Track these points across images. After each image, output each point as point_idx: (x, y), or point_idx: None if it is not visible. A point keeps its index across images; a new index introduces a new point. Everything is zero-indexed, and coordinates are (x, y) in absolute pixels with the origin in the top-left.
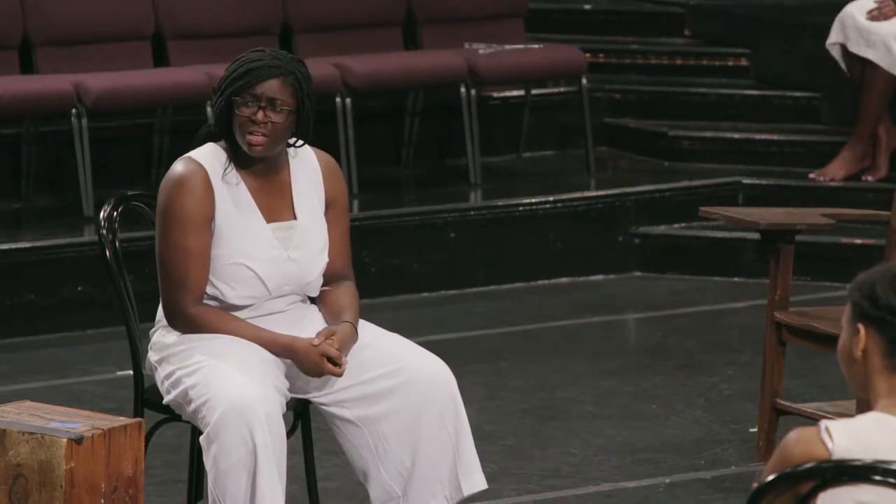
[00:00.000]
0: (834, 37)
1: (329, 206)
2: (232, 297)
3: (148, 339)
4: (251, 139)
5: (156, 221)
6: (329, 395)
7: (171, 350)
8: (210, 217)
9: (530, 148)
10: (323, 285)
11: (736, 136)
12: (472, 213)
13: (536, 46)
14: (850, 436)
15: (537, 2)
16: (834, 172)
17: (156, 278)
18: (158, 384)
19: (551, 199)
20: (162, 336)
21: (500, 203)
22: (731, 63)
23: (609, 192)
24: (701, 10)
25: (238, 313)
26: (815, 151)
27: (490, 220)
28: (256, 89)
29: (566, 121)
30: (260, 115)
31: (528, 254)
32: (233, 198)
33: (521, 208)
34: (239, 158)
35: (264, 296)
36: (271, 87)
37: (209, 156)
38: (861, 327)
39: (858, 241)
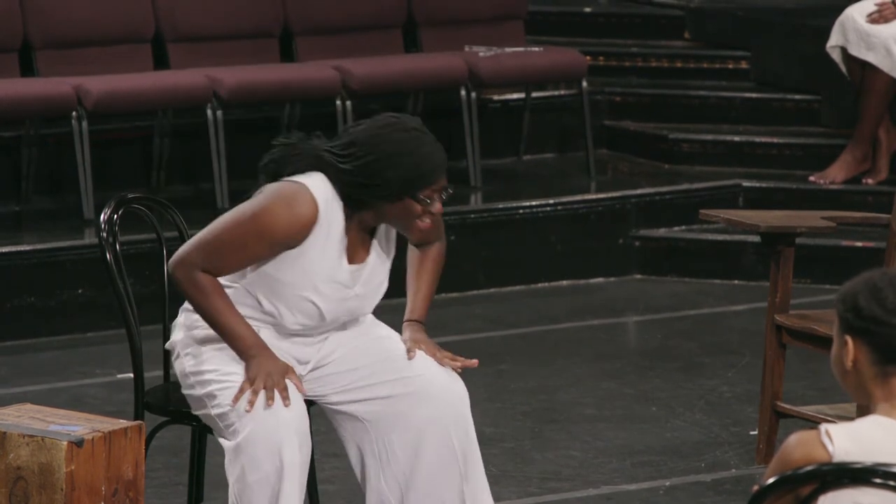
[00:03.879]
0: (834, 39)
1: None
2: (288, 321)
3: (147, 341)
4: (423, 226)
5: (243, 205)
6: (342, 394)
7: (204, 349)
8: (287, 248)
9: (531, 150)
10: (413, 244)
11: (736, 138)
12: (472, 215)
13: (537, 49)
14: (850, 439)
15: (537, 4)
16: (834, 175)
17: (157, 280)
18: (178, 371)
19: (551, 201)
20: (193, 320)
21: (500, 206)
22: (731, 66)
23: (609, 194)
24: (701, 12)
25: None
26: (816, 154)
27: (490, 223)
28: (441, 183)
29: (566, 123)
30: (438, 206)
31: (529, 256)
32: (327, 237)
33: (521, 211)
34: (347, 202)
35: (319, 326)
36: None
37: (327, 197)
38: (848, 339)
39: (859, 243)
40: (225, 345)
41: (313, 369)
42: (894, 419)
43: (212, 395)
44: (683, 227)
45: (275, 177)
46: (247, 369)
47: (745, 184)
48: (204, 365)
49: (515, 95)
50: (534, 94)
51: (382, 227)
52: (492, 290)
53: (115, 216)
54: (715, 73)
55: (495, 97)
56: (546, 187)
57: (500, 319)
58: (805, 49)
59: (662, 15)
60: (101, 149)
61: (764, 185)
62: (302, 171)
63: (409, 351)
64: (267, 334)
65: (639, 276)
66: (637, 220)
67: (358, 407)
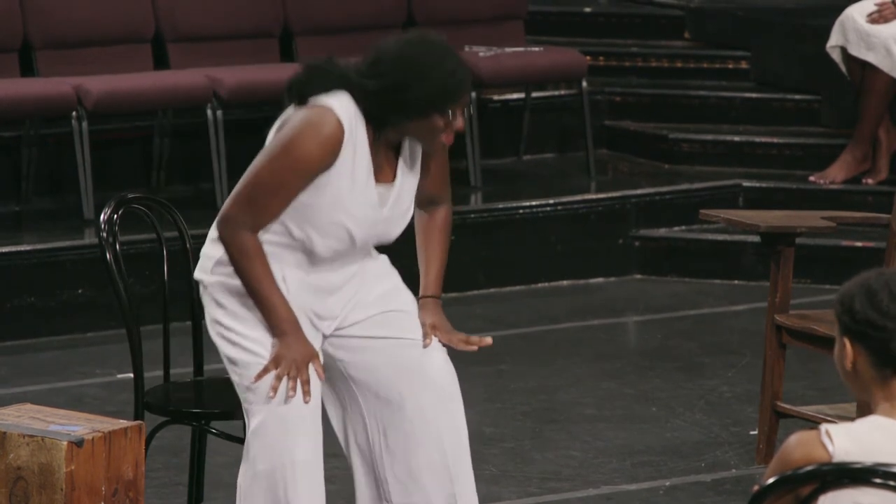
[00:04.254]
0: (834, 39)
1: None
2: (319, 246)
3: (147, 341)
4: (446, 140)
5: (271, 144)
6: (354, 367)
7: (236, 302)
8: (321, 173)
9: (530, 150)
10: (419, 206)
11: (736, 138)
12: (472, 215)
13: (536, 49)
14: (850, 439)
15: (537, 4)
16: (834, 175)
17: (157, 280)
18: (207, 311)
19: (551, 201)
20: (221, 255)
21: (500, 206)
22: (730, 66)
23: (609, 194)
24: (701, 12)
25: (299, 264)
26: (816, 154)
27: (490, 223)
28: (465, 99)
29: (566, 123)
30: (461, 122)
31: (529, 256)
32: (354, 157)
33: (521, 211)
34: (371, 120)
35: (347, 249)
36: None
37: (350, 115)
38: (846, 341)
39: (859, 243)
40: (259, 321)
41: (337, 329)
42: (895, 419)
43: (234, 361)
44: (683, 227)
45: (300, 99)
46: (275, 346)
47: (745, 184)
48: (234, 322)
49: (515, 95)
50: (534, 94)
51: (407, 147)
52: (492, 289)
53: (115, 216)
54: (715, 73)
55: (495, 97)
56: (546, 187)
57: (500, 319)
58: (805, 49)
59: (662, 15)
60: (101, 149)
61: (764, 185)
62: (326, 91)
63: (425, 337)
64: (296, 273)
65: (639, 276)
66: (637, 220)
67: (361, 380)
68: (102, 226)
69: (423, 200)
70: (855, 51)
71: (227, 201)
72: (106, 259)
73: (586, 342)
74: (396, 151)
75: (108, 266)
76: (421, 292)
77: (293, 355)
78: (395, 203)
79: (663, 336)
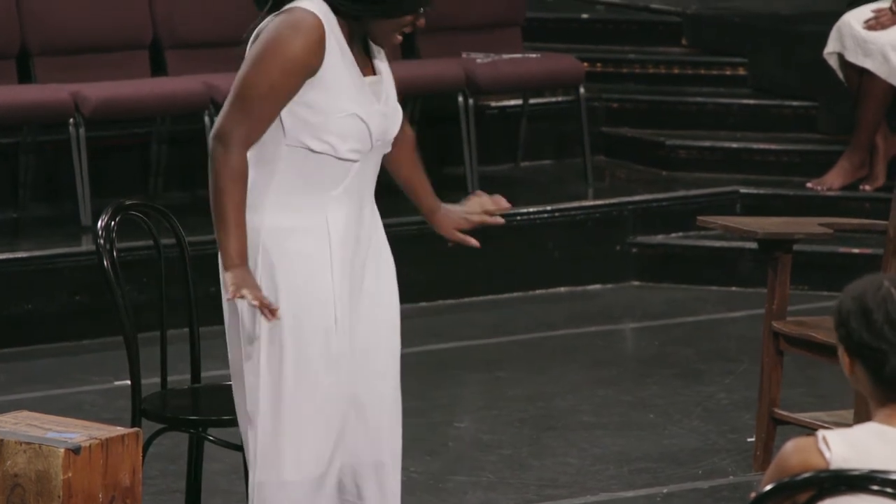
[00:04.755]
0: (831, 46)
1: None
2: (342, 150)
3: (145, 348)
4: (397, 41)
5: (253, 51)
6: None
7: (288, 290)
8: (312, 72)
9: (528, 157)
10: None
11: (733, 145)
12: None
13: (534, 56)
14: (847, 445)
15: (535, 11)
16: (831, 181)
17: (154, 287)
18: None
19: (549, 208)
20: (299, 268)
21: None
22: (728, 72)
23: (607, 201)
24: (698, 19)
25: (334, 183)
26: (813, 161)
27: (487, 230)
28: (426, 7)
29: (564, 130)
30: (422, 20)
31: (526, 263)
32: (338, 54)
33: (518, 217)
34: (343, 17)
35: (366, 149)
36: None
37: (325, 12)
38: (843, 352)
39: (856, 250)
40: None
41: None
42: (892, 426)
43: (272, 357)
44: (681, 234)
45: (274, 5)
46: (230, 276)
47: (743, 190)
48: (273, 336)
49: (513, 102)
50: (531, 101)
51: (371, 45)
52: (489, 296)
53: (113, 223)
54: (712, 79)
55: (493, 104)
56: (543, 194)
57: (498, 326)
58: (802, 56)
59: (660, 21)
60: (99, 155)
61: (761, 191)
62: None
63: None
64: (338, 214)
65: (636, 283)
66: (634, 227)
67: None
68: (100, 232)
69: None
70: (852, 57)
71: (220, 117)
72: (103, 266)
73: (583, 349)
74: (365, 48)
75: (105, 273)
76: (433, 210)
77: (249, 283)
78: (386, 98)
79: (660, 343)
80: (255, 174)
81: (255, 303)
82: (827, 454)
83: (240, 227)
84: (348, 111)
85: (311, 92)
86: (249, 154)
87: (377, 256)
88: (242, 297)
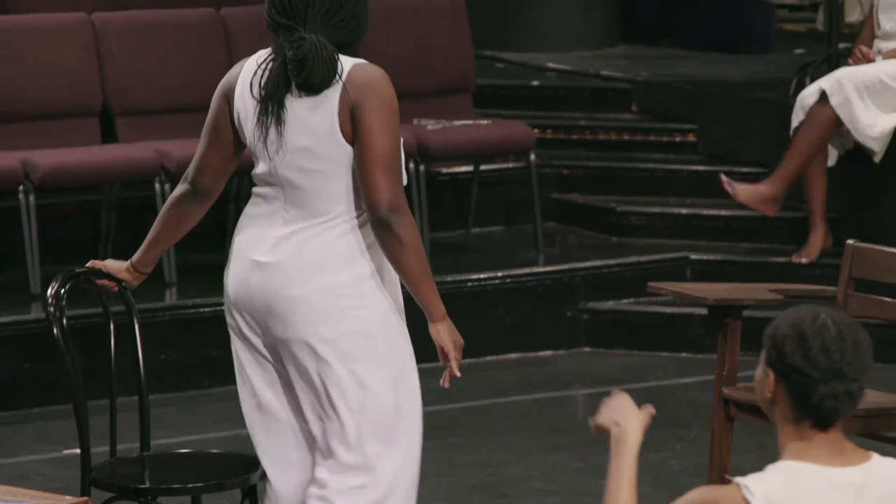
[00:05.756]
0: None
1: None
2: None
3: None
4: None
5: (382, 119)
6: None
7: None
8: None
9: (479, 223)
10: None
11: (683, 211)
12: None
13: (485, 122)
14: (769, 491)
15: (486, 78)
16: (738, 191)
17: (103, 354)
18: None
19: (500, 274)
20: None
21: (448, 279)
22: (678, 139)
23: (558, 267)
24: (648, 85)
25: None
26: (763, 227)
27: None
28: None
29: (515, 196)
30: None
31: (478, 329)
32: None
33: (469, 284)
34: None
35: None
36: None
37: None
38: (771, 373)
39: None
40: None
41: None
42: (806, 462)
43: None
44: (632, 300)
45: (333, 68)
46: (442, 329)
47: (693, 256)
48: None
49: (464, 168)
50: (482, 167)
51: None
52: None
53: (63, 291)
54: (662, 145)
55: (444, 170)
56: (494, 260)
57: (449, 392)
58: (752, 122)
59: (610, 88)
60: (49, 222)
61: (711, 257)
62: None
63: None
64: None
65: (587, 349)
66: (585, 293)
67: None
68: (50, 300)
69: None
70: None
71: (382, 190)
72: (53, 333)
73: (535, 415)
74: None
75: (55, 341)
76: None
77: (456, 339)
78: None
79: None
80: None
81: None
82: (753, 501)
83: (432, 280)
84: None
85: None
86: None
87: None
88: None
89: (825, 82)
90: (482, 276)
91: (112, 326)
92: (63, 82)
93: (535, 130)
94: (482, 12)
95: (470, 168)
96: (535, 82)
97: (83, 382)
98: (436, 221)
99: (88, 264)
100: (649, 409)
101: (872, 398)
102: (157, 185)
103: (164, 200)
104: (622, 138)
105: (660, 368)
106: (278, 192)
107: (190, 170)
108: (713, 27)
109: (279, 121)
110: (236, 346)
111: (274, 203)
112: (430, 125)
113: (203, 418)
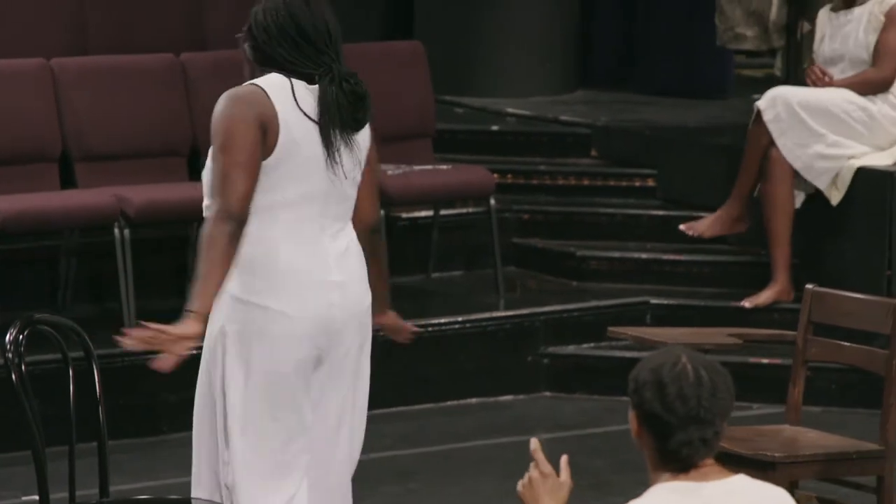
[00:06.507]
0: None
1: None
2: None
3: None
4: None
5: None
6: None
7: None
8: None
9: (439, 268)
10: None
11: (643, 255)
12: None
13: (445, 167)
14: None
15: (445, 122)
16: (703, 229)
17: (62, 400)
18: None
19: (460, 319)
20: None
21: (408, 323)
22: (637, 183)
23: (518, 311)
24: (607, 130)
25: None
26: (723, 271)
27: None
28: None
29: (475, 241)
30: None
31: (437, 374)
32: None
33: (429, 328)
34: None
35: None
36: None
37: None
38: (634, 416)
39: (765, 360)
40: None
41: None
42: (680, 481)
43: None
44: (592, 345)
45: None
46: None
47: (653, 301)
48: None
49: (424, 213)
50: (442, 212)
51: None
52: (400, 408)
53: (21, 337)
54: (622, 190)
55: (404, 215)
56: (455, 305)
57: (409, 437)
58: (711, 167)
59: (569, 133)
60: (7, 268)
61: (671, 302)
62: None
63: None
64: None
65: (548, 394)
66: (545, 338)
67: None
68: (8, 346)
69: None
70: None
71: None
72: (12, 380)
73: (496, 460)
74: None
75: (13, 387)
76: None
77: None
78: None
79: (572, 454)
80: None
81: None
82: None
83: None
84: None
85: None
86: None
87: None
88: None
89: (762, 101)
90: (443, 320)
91: (71, 372)
92: (22, 127)
93: (495, 175)
94: (442, 57)
95: (430, 213)
96: (495, 127)
97: (42, 429)
98: (396, 266)
99: (148, 335)
100: (566, 473)
101: (832, 442)
102: (117, 231)
103: (123, 246)
104: (582, 183)
105: (620, 413)
106: (313, 207)
107: (233, 204)
108: (672, 72)
109: (349, 142)
110: (282, 383)
111: (311, 221)
112: (390, 170)
113: (162, 464)
